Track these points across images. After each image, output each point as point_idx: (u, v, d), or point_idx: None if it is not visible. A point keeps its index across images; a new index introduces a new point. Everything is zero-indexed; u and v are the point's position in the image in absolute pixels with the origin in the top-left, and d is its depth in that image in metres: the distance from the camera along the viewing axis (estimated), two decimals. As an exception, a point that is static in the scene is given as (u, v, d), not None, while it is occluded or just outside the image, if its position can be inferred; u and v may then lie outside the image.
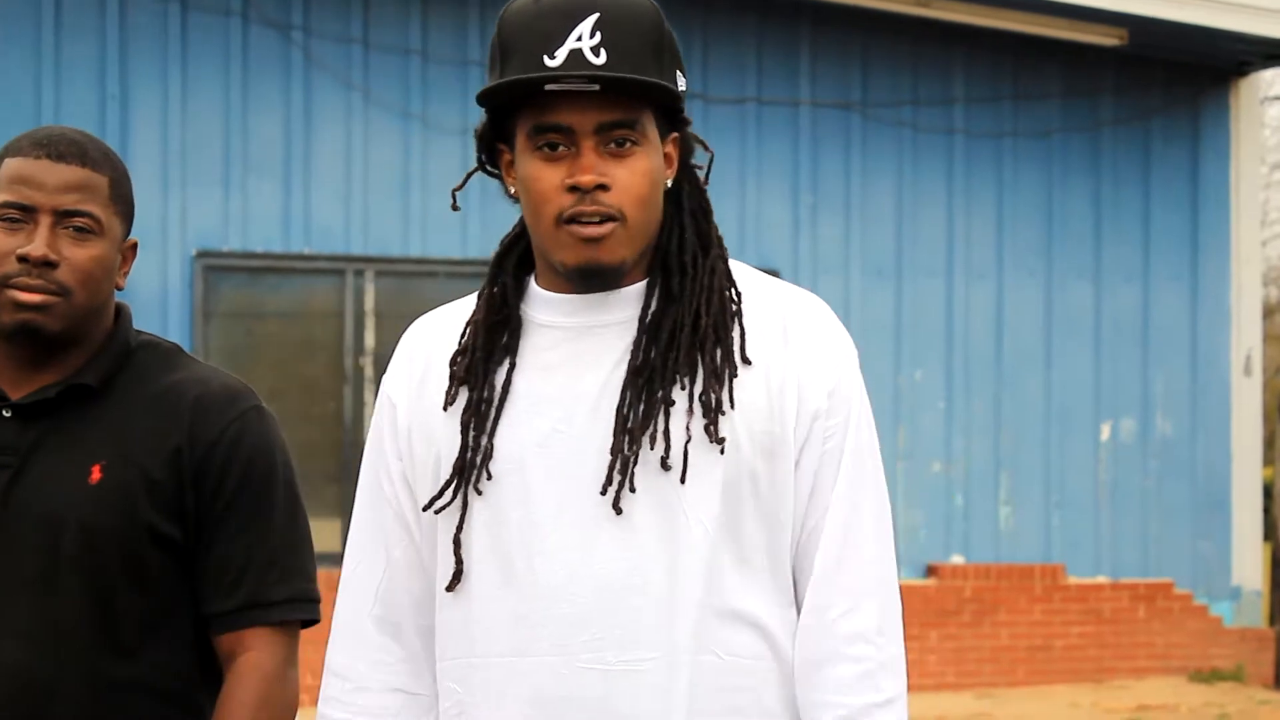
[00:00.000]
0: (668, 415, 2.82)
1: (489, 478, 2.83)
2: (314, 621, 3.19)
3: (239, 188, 13.92)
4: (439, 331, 3.01)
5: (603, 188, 2.79)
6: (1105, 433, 15.57)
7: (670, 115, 2.90)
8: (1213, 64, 15.96)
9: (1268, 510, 16.82)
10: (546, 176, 2.81)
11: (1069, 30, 15.20)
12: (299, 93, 14.04)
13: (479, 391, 2.86)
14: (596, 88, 2.77)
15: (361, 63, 14.17)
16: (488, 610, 2.84)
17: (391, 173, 14.15)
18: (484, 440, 2.84)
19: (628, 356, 2.85)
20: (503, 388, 2.86)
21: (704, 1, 14.55)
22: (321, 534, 13.98)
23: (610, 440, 2.80)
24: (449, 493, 2.86)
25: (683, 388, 2.83)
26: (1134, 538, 15.55)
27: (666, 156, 2.89)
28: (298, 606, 3.17)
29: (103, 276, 3.13)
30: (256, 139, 13.97)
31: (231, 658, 3.12)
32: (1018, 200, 15.44)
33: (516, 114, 2.85)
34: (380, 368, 13.89)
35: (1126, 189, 15.77)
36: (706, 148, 2.98)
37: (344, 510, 13.85)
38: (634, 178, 2.81)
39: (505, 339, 2.89)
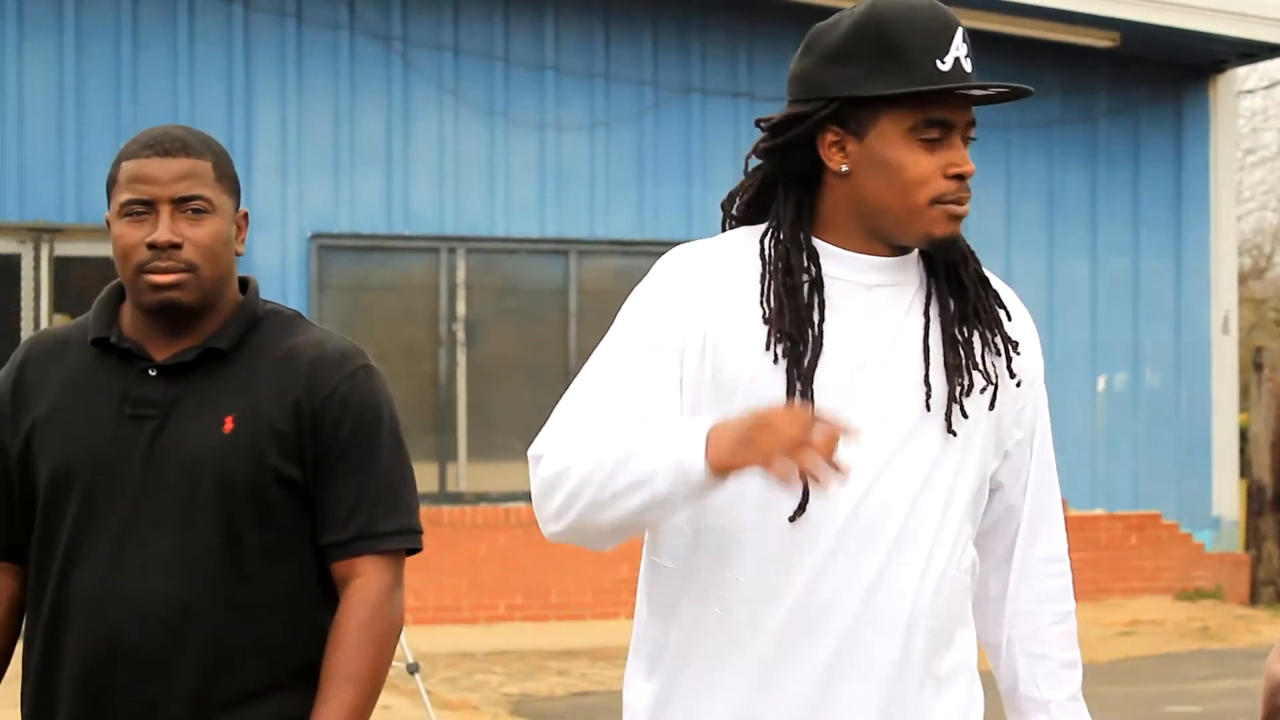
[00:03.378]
0: (982, 355, 2.90)
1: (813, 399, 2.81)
2: (417, 550, 3.19)
3: (347, 177, 13.96)
4: (730, 266, 2.88)
5: (962, 176, 2.82)
6: (1101, 385, 15.51)
7: None
8: (1194, 62, 15.85)
9: (1243, 450, 16.74)
10: (928, 163, 2.80)
11: (1067, 33, 15.12)
12: (398, 94, 14.07)
13: (796, 343, 2.81)
14: (985, 92, 2.83)
15: (452, 67, 14.18)
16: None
17: (478, 163, 14.17)
18: (807, 388, 2.80)
19: (917, 307, 2.88)
20: (816, 338, 2.82)
21: (749, 10, 14.51)
22: (421, 477, 13.98)
23: (920, 374, 2.84)
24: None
25: (988, 335, 2.91)
26: (1126, 475, 15.50)
27: None
28: (403, 537, 3.17)
29: (222, 248, 3.14)
30: (362, 134, 14.00)
31: (345, 582, 3.13)
32: (1023, 184, 15.38)
33: (891, 105, 2.80)
34: (471, 333, 13.94)
35: (1118, 173, 15.70)
36: None
37: (440, 457, 13.91)
38: (972, 168, 2.86)
39: (807, 292, 2.83)
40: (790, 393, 2.78)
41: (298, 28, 13.89)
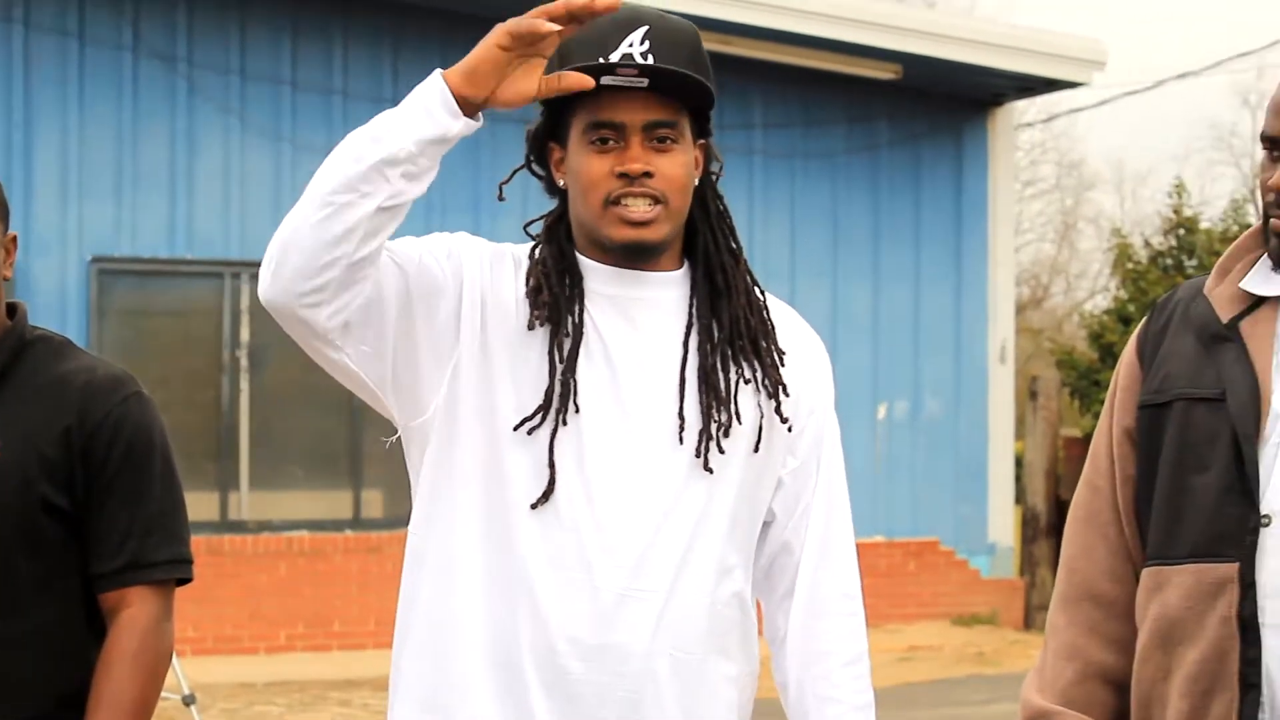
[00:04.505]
0: (737, 392, 2.87)
1: (576, 411, 2.80)
2: (188, 580, 3.16)
3: (130, 201, 13.76)
4: (506, 258, 2.91)
5: (648, 175, 2.80)
6: (881, 412, 15.71)
7: (700, 123, 2.91)
8: (974, 95, 16.14)
9: (1018, 478, 17.05)
10: (598, 165, 2.81)
11: (851, 65, 15.31)
12: (183, 117, 13.90)
13: (558, 327, 2.82)
14: (645, 82, 2.78)
15: (238, 91, 14.05)
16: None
17: (264, 187, 14.04)
18: (568, 375, 2.80)
19: (683, 336, 2.87)
20: (576, 329, 2.82)
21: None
22: (202, 505, 13.85)
23: (675, 404, 2.82)
24: (539, 416, 2.79)
25: (748, 372, 2.89)
26: (905, 502, 15.71)
27: (694, 160, 2.91)
28: (174, 567, 3.14)
29: None
30: (145, 157, 13.81)
31: (115, 612, 3.09)
32: (808, 213, 15.54)
33: (571, 114, 2.85)
34: (254, 360, 13.79)
35: (900, 203, 15.92)
36: (719, 158, 3.00)
37: (222, 485, 13.73)
38: (675, 168, 2.83)
39: (569, 284, 2.85)
40: (552, 372, 2.79)
41: (79, 48, 13.68)
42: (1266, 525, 2.68)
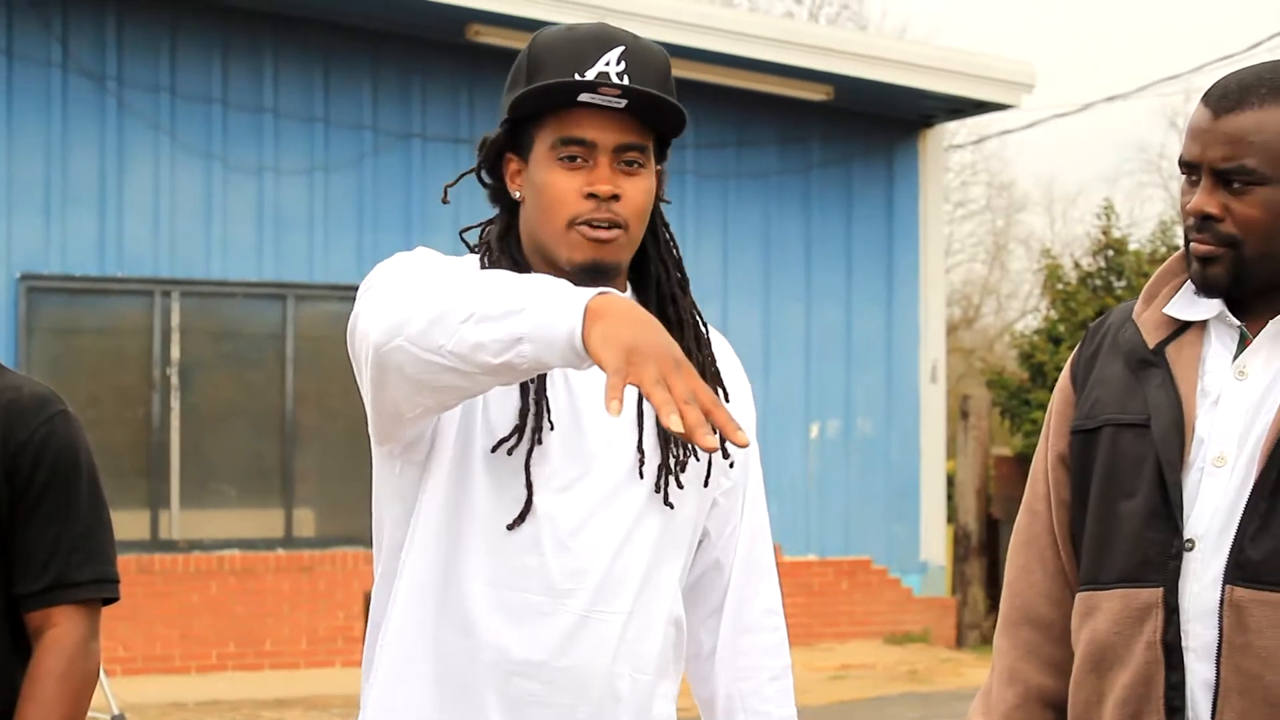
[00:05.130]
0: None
1: (551, 428, 2.76)
2: (114, 600, 3.14)
3: (59, 218, 13.67)
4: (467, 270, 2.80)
5: (616, 198, 2.76)
6: (814, 432, 15.75)
7: (661, 149, 2.89)
8: (905, 117, 16.21)
9: (950, 497, 17.10)
10: (565, 183, 2.76)
11: (783, 86, 15.37)
12: (113, 134, 13.83)
13: None
14: (624, 103, 2.74)
15: (169, 108, 13.98)
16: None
17: (195, 205, 13.98)
18: (540, 397, 2.76)
19: None
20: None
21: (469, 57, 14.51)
22: (132, 523, 13.76)
23: (634, 437, 2.81)
24: (515, 437, 2.74)
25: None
26: (838, 521, 15.75)
27: (654, 185, 2.87)
28: (100, 586, 3.12)
29: None
30: (75, 174, 13.74)
31: (40, 633, 3.07)
32: (740, 233, 15.58)
33: (539, 126, 2.79)
34: (185, 378, 13.72)
35: (832, 223, 15.97)
36: (664, 183, 2.95)
37: (152, 503, 13.65)
38: (640, 193, 2.79)
39: None
40: (524, 394, 2.75)
41: (8, 64, 13.59)
42: (1189, 550, 2.70)
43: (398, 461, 2.80)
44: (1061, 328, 18.31)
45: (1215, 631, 2.66)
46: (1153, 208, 36.58)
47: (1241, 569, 2.65)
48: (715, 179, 15.24)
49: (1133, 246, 19.47)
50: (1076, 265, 19.53)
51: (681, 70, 14.89)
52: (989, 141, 34.62)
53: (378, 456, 2.84)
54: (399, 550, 2.80)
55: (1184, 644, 2.69)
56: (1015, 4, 56.32)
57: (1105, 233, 19.39)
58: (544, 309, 2.40)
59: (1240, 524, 2.67)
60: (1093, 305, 17.70)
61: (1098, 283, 18.92)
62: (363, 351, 2.62)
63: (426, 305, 2.50)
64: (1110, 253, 19.13)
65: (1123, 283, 18.66)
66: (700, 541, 2.98)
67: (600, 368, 2.34)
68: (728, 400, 2.92)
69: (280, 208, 14.23)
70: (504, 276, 2.52)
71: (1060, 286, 19.12)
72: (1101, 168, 50.90)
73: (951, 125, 18.68)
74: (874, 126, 16.15)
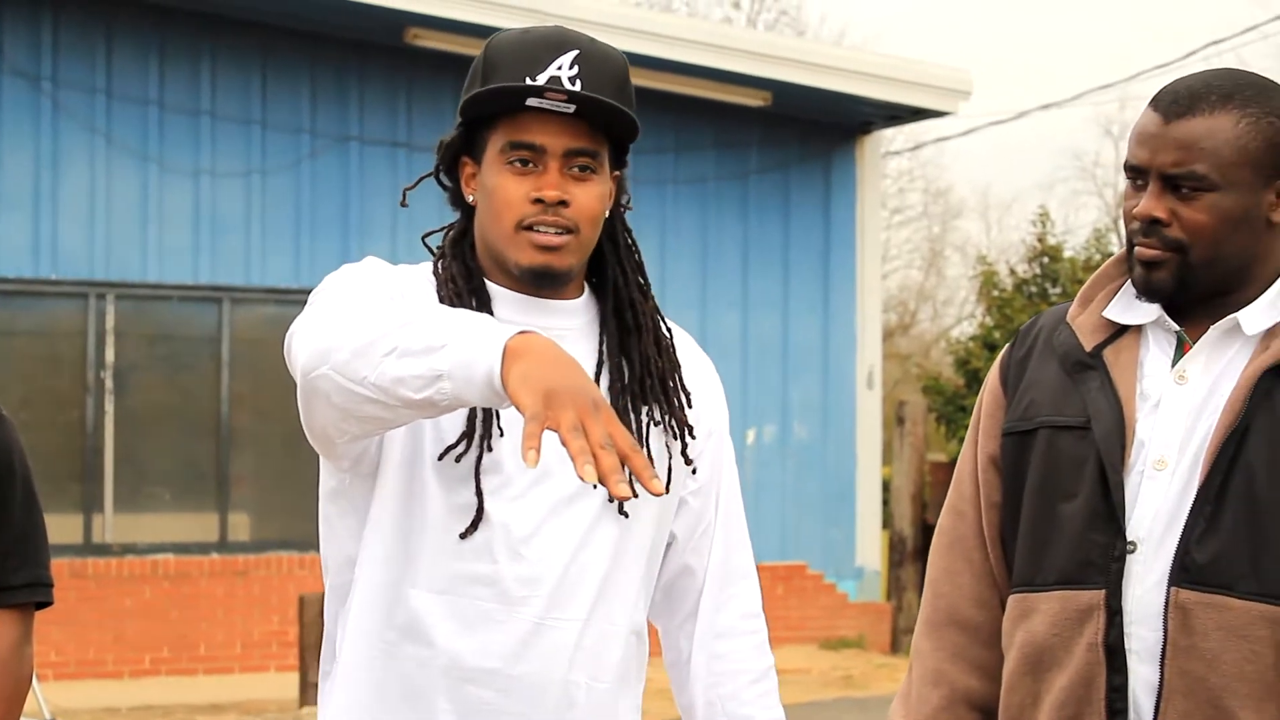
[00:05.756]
0: (648, 433, 2.84)
1: (501, 434, 2.73)
2: (48, 603, 3.11)
3: (-7, 219, 13.58)
4: (422, 282, 2.83)
5: (564, 203, 2.74)
6: (750, 437, 15.76)
7: (618, 154, 2.86)
8: (842, 123, 16.25)
9: (886, 503, 17.15)
10: (513, 187, 2.74)
11: (720, 92, 15.38)
12: (47, 136, 13.74)
13: None
14: (572, 108, 2.72)
15: (104, 110, 13.90)
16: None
17: (130, 208, 13.90)
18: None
19: (593, 375, 2.81)
20: None
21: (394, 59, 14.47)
22: (65, 528, 13.66)
23: None
24: (464, 444, 2.72)
25: (657, 413, 2.86)
26: (774, 526, 15.76)
27: (609, 191, 2.85)
28: (33, 590, 3.09)
29: None
30: (9, 176, 13.64)
31: (-28, 637, 3.04)
32: (678, 239, 15.58)
33: (490, 130, 2.77)
34: (120, 381, 13.64)
35: (769, 229, 15.99)
36: (625, 189, 2.93)
37: (86, 507, 13.56)
38: (590, 200, 2.76)
39: (477, 308, 2.76)
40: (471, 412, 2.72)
41: (-58, 65, 13.49)
42: (1132, 552, 2.70)
43: (346, 475, 2.79)
44: (997, 334, 18.40)
45: (1159, 634, 2.67)
46: (1087, 215, 36.88)
47: (1187, 571, 2.66)
48: (652, 185, 15.23)
49: (1068, 253, 19.59)
50: (1012, 272, 19.63)
51: (620, 75, 14.86)
52: (926, 148, 34.79)
53: (325, 469, 2.83)
54: (352, 565, 2.79)
55: (1126, 646, 2.69)
56: (953, 12, 56.60)
57: (1040, 240, 19.51)
58: (464, 346, 2.40)
59: (1185, 527, 2.68)
60: (1028, 311, 17.82)
61: (1033, 289, 19.03)
62: (294, 373, 2.63)
63: (354, 334, 2.50)
64: (1045, 259, 19.25)
65: (1058, 289, 18.77)
66: (669, 545, 2.96)
67: (518, 410, 2.34)
68: (690, 406, 2.91)
69: (217, 211, 14.16)
70: (433, 309, 2.52)
71: (996, 293, 19.22)
72: (1037, 175, 51.24)
73: (889, 132, 18.78)
74: (811, 132, 16.17)
